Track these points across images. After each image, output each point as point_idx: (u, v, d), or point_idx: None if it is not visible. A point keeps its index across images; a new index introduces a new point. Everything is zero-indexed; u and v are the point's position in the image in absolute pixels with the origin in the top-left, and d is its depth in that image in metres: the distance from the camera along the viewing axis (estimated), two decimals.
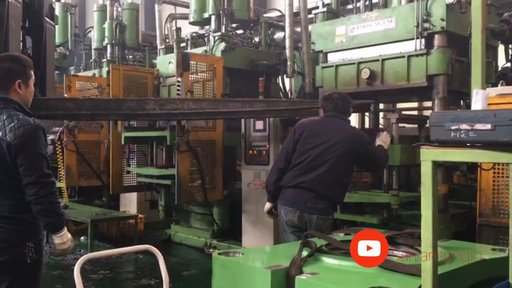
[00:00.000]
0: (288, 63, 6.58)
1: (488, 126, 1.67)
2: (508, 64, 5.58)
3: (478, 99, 1.95)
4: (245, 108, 5.27)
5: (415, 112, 7.21)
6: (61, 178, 7.73)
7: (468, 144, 1.78)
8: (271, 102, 5.72)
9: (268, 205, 3.89)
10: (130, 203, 8.43)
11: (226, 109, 5.18)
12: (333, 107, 3.79)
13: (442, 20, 4.70)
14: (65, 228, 2.67)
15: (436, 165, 1.84)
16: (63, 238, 2.64)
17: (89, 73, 9.48)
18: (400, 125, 5.04)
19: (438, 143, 1.84)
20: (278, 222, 3.78)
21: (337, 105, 3.78)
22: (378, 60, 5.14)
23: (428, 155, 1.82)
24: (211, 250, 6.27)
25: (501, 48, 5.62)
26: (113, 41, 9.21)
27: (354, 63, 5.33)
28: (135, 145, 7.59)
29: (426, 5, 4.76)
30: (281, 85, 7.38)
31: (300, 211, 3.58)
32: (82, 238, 7.08)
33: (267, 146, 6.00)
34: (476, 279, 2.34)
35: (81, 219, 6.74)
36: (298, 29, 6.64)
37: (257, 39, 7.85)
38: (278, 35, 8.00)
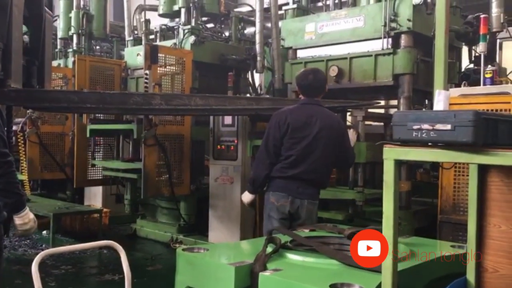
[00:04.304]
0: (258, 58, 6.57)
1: (448, 127, 1.70)
2: (471, 65, 5.72)
3: (440, 99, 1.99)
4: (251, 105, 5.20)
5: (382, 110, 7.30)
6: (23, 171, 7.50)
7: (429, 144, 1.81)
8: (277, 100, 5.66)
9: (250, 197, 3.94)
10: (95, 196, 8.26)
11: (232, 106, 5.11)
12: (307, 87, 3.85)
13: (409, 20, 4.78)
14: (27, 208, 2.58)
15: (398, 163, 1.87)
16: (24, 218, 2.56)
17: (54, 63, 9.21)
18: (367, 123, 5.10)
19: (400, 142, 1.87)
20: (265, 209, 3.85)
21: (310, 86, 3.84)
22: (346, 58, 5.20)
23: (391, 154, 1.85)
24: (177, 245, 6.21)
25: (465, 50, 5.77)
26: (80, 31, 8.96)
27: (322, 60, 5.37)
28: (101, 138, 7.44)
29: (393, 5, 4.83)
30: (250, 80, 7.36)
31: (292, 196, 3.70)
32: (44, 232, 6.90)
33: (236, 141, 5.98)
34: (435, 275, 2.39)
35: (43, 213, 6.54)
36: (269, 25, 6.64)
37: (227, 34, 7.79)
38: (249, 30, 7.97)
